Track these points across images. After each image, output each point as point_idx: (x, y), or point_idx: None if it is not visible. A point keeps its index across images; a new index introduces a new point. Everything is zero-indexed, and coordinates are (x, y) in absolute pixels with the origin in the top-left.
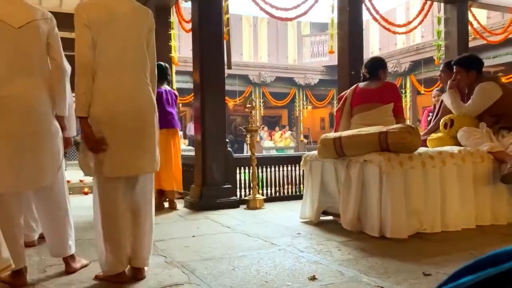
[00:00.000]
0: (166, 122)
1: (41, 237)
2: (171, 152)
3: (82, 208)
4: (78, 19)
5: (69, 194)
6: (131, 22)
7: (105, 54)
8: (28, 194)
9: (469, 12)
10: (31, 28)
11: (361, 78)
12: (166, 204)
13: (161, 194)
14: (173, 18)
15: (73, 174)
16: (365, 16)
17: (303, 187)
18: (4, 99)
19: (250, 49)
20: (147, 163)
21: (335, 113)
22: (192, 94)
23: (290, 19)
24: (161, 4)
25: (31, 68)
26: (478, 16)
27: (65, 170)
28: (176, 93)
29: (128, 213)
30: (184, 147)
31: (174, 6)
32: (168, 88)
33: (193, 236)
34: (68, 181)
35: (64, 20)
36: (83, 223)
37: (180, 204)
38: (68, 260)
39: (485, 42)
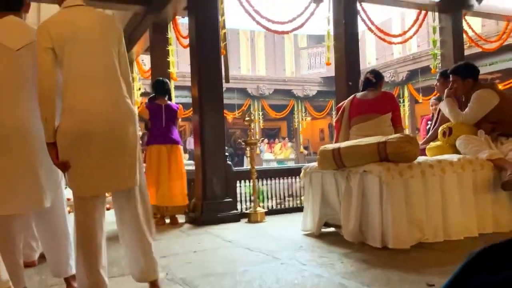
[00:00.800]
0: (164, 138)
1: (42, 257)
2: (169, 168)
3: None
4: (39, 42)
5: (70, 211)
6: (97, 34)
7: (73, 71)
8: (26, 215)
9: (463, 20)
10: (29, 50)
11: (360, 85)
12: (168, 220)
13: (160, 210)
14: (171, 34)
15: None
16: (361, 27)
17: (303, 199)
18: (1, 121)
19: (247, 62)
20: (124, 179)
21: (334, 124)
22: (191, 108)
23: (287, 32)
24: (159, 21)
25: (28, 90)
26: (473, 25)
27: (65, 188)
28: (175, 106)
29: (124, 230)
30: (184, 162)
31: (171, 22)
32: (168, 102)
33: (195, 252)
34: (68, 199)
35: None
36: None
37: (181, 219)
38: (70, 279)
39: (480, 50)
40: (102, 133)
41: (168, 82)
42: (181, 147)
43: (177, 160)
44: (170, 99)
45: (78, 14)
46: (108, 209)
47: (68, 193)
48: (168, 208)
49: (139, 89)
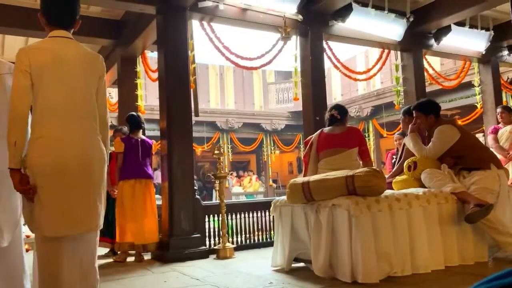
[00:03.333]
0: (135, 172)
1: None
2: (142, 204)
3: None
4: (17, 64)
5: (29, 250)
6: (78, 68)
7: (48, 100)
8: None
9: (424, 59)
10: None
11: (326, 121)
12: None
13: (132, 247)
14: (139, 67)
15: None
16: (327, 64)
17: (273, 233)
18: None
19: (217, 96)
20: (93, 220)
21: (302, 158)
22: (159, 142)
23: (255, 68)
24: (127, 54)
25: None
26: (433, 63)
27: (24, 225)
28: (153, 142)
29: (76, 277)
30: None
31: (140, 56)
32: (142, 137)
33: None
34: (27, 236)
35: None
36: None
37: (147, 257)
38: None
39: (440, 87)
40: (75, 171)
41: (141, 116)
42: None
43: (151, 196)
44: (144, 133)
45: (62, 45)
46: (27, 250)
47: (26, 230)
48: (147, 246)
49: None
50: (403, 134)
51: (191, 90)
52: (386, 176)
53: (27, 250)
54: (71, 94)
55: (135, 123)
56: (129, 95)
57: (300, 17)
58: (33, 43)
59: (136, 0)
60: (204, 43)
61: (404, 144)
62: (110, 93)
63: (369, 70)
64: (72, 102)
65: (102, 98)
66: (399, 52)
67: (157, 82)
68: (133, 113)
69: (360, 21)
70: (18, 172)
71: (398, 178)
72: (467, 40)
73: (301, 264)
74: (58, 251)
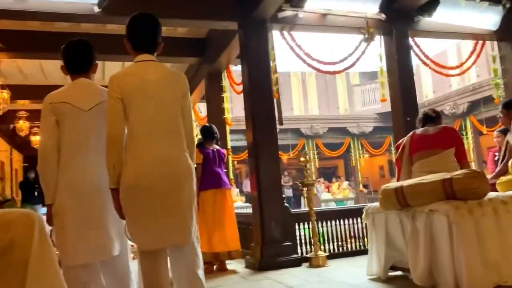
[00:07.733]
0: (214, 182)
1: None
2: (222, 213)
3: None
4: (110, 92)
5: (134, 258)
6: (163, 89)
7: (137, 121)
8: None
9: None
10: (99, 110)
11: (418, 122)
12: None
13: (215, 257)
14: (225, 81)
15: None
16: (415, 61)
17: (367, 241)
18: (74, 178)
19: (300, 103)
20: (181, 235)
21: (394, 162)
22: (246, 151)
23: (338, 72)
24: (213, 70)
25: (98, 148)
26: None
27: None
28: (225, 151)
29: (180, 282)
30: (242, 204)
31: (225, 71)
32: (216, 147)
33: None
34: (132, 245)
35: None
36: None
37: (240, 265)
38: None
39: None
40: (162, 188)
41: (214, 126)
42: (236, 190)
43: (231, 204)
44: (217, 143)
45: (147, 68)
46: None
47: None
48: (232, 253)
49: (196, 135)
50: (504, 131)
51: (275, 99)
52: (489, 176)
53: (133, 258)
54: (158, 115)
55: (209, 134)
56: (216, 109)
57: (382, 16)
58: (121, 69)
59: (219, 18)
60: (285, 51)
61: (508, 142)
62: (199, 108)
63: (462, 64)
64: (159, 122)
65: (187, 115)
66: (495, 42)
67: (241, 94)
68: (207, 124)
69: (449, 14)
70: (117, 192)
71: (502, 178)
72: None
73: (399, 273)
74: (156, 262)
